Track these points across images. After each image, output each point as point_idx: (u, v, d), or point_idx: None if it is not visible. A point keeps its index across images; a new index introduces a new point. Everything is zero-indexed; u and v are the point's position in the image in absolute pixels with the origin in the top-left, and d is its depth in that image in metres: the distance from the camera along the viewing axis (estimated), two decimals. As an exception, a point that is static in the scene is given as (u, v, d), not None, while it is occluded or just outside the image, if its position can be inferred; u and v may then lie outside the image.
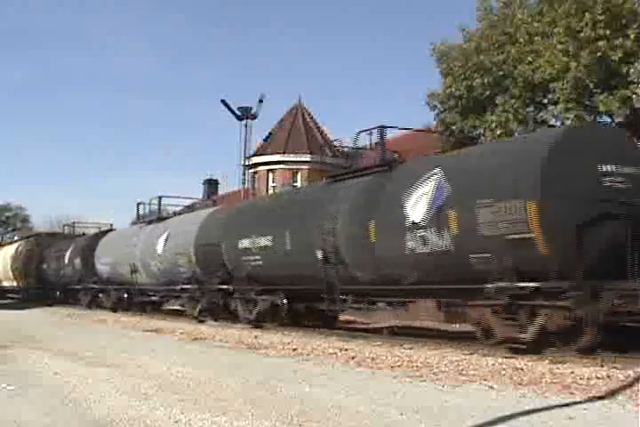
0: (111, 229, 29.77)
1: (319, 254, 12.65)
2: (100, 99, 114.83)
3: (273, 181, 34.32)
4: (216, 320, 17.08)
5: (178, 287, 18.80)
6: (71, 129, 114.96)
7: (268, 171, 34.75)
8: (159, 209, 23.61)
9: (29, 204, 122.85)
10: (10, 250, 38.97)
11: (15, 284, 40.38)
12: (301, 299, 14.51)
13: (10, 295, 38.98)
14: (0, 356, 9.91)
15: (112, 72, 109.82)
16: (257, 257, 14.90)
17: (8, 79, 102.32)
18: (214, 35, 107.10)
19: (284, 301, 14.39)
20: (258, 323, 15.19)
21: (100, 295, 25.73)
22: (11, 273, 38.46)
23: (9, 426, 5.21)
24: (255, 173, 35.19)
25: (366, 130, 13.49)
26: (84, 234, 32.10)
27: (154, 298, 22.15)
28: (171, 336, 13.70)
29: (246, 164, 34.00)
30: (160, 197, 23.43)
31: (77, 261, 27.30)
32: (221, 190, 45.59)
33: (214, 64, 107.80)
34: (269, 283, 14.75)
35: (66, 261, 28.74)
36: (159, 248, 19.94)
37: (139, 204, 24.76)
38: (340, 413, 5.47)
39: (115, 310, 23.62)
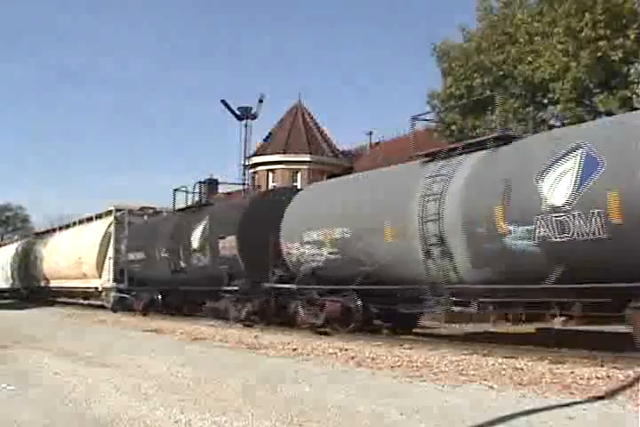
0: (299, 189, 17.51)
1: None
2: (100, 99, 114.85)
3: (273, 181, 34.33)
4: None
5: None
6: (71, 129, 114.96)
7: (268, 171, 34.77)
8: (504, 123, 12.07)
9: (29, 204, 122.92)
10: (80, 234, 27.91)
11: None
12: None
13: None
14: (0, 356, 9.92)
15: (112, 72, 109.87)
16: None
17: (8, 79, 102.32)
18: (214, 35, 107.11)
19: None
20: None
21: (293, 304, 14.48)
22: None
23: (9, 426, 5.21)
24: (255, 173, 35.19)
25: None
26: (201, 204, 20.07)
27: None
28: (171, 336, 13.70)
29: (246, 164, 34.00)
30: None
31: (226, 243, 16.20)
32: (221, 190, 45.57)
33: (214, 64, 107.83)
34: None
35: (193, 244, 17.88)
36: (560, 191, 8.90)
37: (415, 118, 12.97)
38: (339, 413, 5.47)
39: (324, 333, 13.01)
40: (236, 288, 15.89)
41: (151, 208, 25.84)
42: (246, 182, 33.40)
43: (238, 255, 15.75)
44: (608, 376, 7.02)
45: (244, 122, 33.44)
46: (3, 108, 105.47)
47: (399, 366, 8.35)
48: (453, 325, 15.66)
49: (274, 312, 15.29)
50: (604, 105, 15.85)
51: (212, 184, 46.39)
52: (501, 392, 6.39)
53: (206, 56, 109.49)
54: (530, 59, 17.04)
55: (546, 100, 17.81)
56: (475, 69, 18.33)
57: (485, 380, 7.09)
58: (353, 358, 9.20)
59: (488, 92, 18.18)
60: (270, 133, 35.97)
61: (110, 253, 24.33)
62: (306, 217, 14.17)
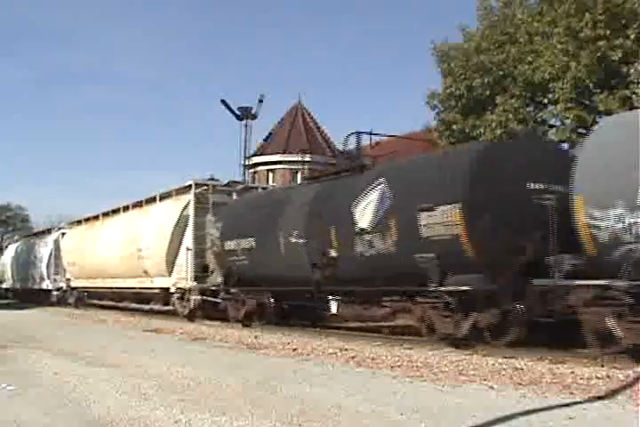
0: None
1: None
2: (100, 98, 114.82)
3: (273, 181, 34.37)
4: None
5: None
6: (71, 129, 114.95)
7: (268, 171, 34.83)
8: None
9: (29, 204, 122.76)
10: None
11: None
12: None
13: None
14: (0, 356, 9.92)
15: (112, 72, 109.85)
16: None
17: (8, 79, 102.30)
18: (214, 34, 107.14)
19: None
20: None
21: (595, 316, 8.55)
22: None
23: (9, 426, 5.21)
24: (255, 172, 35.23)
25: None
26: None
27: None
28: (171, 336, 13.70)
29: (246, 164, 34.05)
30: None
31: (436, 217, 10.16)
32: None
33: (214, 64, 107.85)
34: None
35: (360, 223, 11.68)
36: None
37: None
38: (339, 413, 5.47)
39: None
40: (464, 288, 9.87)
41: (240, 183, 21.18)
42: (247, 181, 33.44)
43: (465, 235, 9.74)
44: (608, 376, 7.03)
45: (244, 122, 33.48)
46: (2, 107, 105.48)
47: (399, 366, 8.35)
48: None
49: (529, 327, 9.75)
50: (604, 105, 15.86)
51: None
52: (501, 392, 6.39)
53: (206, 56, 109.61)
54: (530, 59, 17.05)
55: (546, 100, 17.81)
56: (475, 69, 18.34)
57: (485, 380, 7.09)
58: (353, 358, 9.20)
59: (488, 92, 18.22)
60: (270, 133, 36.02)
61: (188, 242, 18.29)
62: None
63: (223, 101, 33.57)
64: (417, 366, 8.20)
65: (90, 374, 7.83)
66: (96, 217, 26.74)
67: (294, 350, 10.35)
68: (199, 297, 17.43)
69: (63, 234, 29.76)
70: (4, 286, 39.06)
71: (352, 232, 11.88)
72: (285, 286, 14.25)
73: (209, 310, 17.38)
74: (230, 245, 15.80)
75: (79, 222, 29.04)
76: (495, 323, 9.81)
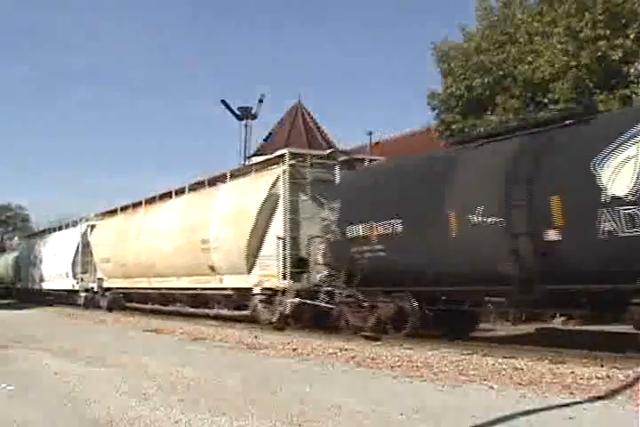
0: None
1: None
2: (100, 98, 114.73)
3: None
4: None
5: None
6: (71, 129, 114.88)
7: (268, 171, 34.79)
8: None
9: (29, 204, 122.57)
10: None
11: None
12: None
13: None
14: (0, 356, 9.92)
15: (112, 72, 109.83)
16: None
17: (9, 78, 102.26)
18: (214, 34, 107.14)
19: None
20: None
21: None
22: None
23: (9, 426, 5.21)
24: (255, 172, 35.17)
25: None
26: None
27: None
28: (171, 336, 13.70)
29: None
30: None
31: None
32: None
33: (214, 64, 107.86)
34: None
35: (611, 189, 8.24)
36: None
37: None
38: (339, 413, 5.47)
39: None
40: None
41: (344, 153, 16.30)
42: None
43: None
44: (608, 376, 7.02)
45: (243, 122, 33.48)
46: (2, 107, 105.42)
47: (399, 366, 8.35)
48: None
49: None
50: (604, 105, 15.85)
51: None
52: (501, 392, 6.39)
53: (206, 55, 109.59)
54: (530, 59, 17.06)
55: (546, 100, 17.81)
56: (475, 69, 18.36)
57: (485, 380, 7.09)
58: (353, 358, 9.20)
59: (488, 92, 18.22)
60: (270, 133, 35.99)
61: (277, 229, 14.49)
62: None
63: (223, 101, 33.63)
64: (417, 366, 8.20)
65: (90, 374, 7.84)
66: (137, 205, 22.74)
67: (294, 350, 10.35)
68: (296, 300, 13.81)
69: (92, 227, 26.00)
70: (17, 285, 37.60)
71: (595, 203, 8.39)
72: (450, 285, 10.56)
73: (306, 316, 14.03)
74: (357, 230, 12.09)
75: (113, 212, 24.89)
76: None
